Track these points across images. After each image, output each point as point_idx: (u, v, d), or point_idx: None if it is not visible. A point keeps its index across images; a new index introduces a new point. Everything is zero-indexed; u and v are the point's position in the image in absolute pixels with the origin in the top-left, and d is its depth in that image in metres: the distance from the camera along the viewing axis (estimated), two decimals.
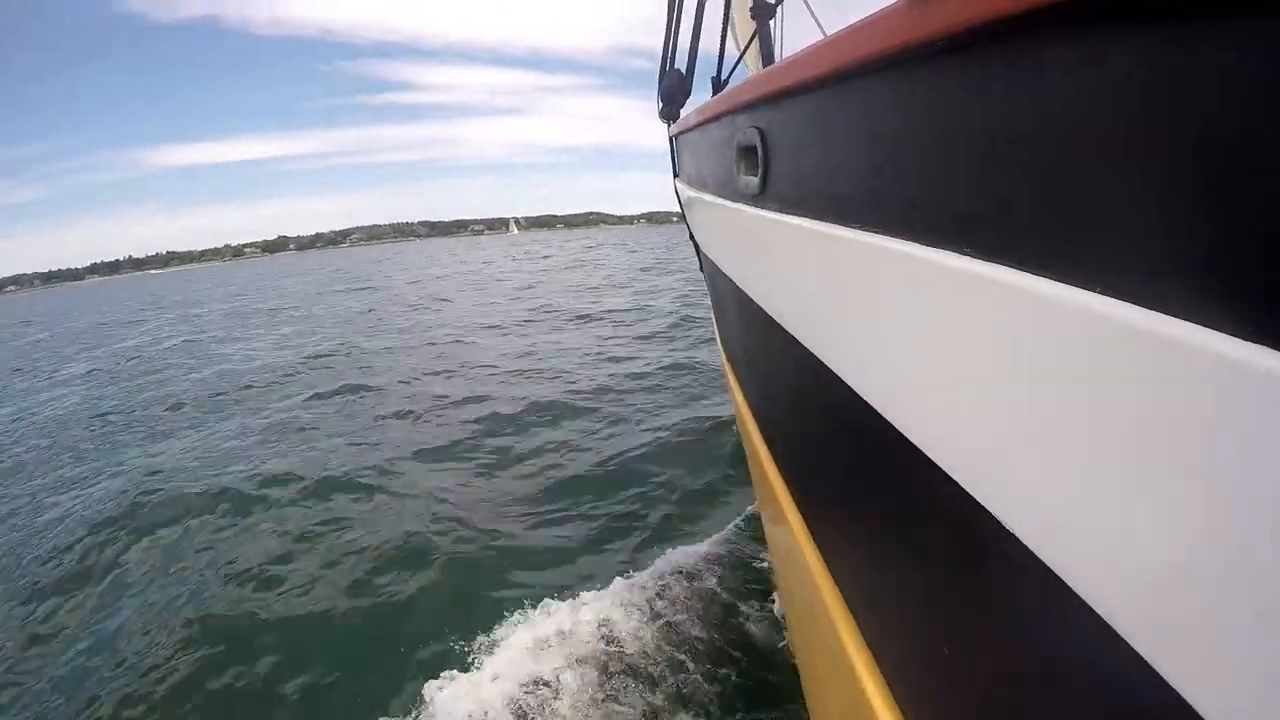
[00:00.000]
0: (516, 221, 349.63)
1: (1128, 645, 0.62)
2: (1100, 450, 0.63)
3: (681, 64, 3.53)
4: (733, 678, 3.60)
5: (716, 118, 2.30)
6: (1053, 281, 0.68)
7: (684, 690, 3.52)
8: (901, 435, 1.04)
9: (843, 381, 1.25)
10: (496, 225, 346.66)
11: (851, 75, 1.11)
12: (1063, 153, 0.68)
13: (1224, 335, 0.51)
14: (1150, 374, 0.57)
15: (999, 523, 0.81)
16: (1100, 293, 0.62)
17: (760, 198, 1.70)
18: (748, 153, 1.77)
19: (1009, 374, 0.77)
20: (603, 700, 3.45)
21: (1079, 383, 0.66)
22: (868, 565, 1.47)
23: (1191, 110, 0.54)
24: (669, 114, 3.76)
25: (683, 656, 3.73)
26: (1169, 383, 0.55)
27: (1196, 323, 0.53)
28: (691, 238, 3.87)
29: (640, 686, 3.54)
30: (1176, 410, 0.55)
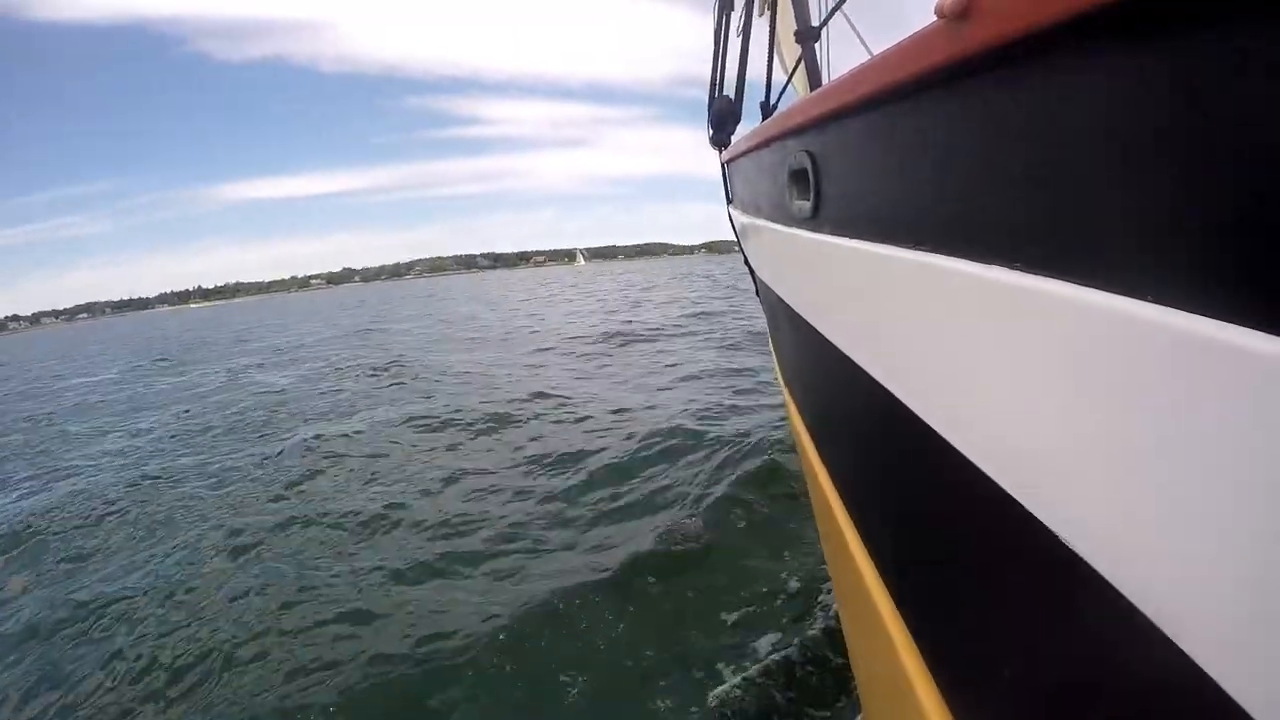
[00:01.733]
0: (582, 253, 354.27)
1: (1210, 678, 0.60)
2: (1168, 463, 0.62)
3: (729, 90, 3.57)
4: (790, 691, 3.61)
5: (766, 143, 2.32)
6: (1110, 294, 0.67)
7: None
8: (961, 455, 1.03)
9: (899, 401, 1.25)
10: (558, 256, 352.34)
11: (894, 96, 1.11)
12: (1109, 163, 0.68)
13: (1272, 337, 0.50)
14: (1216, 383, 0.56)
15: (1061, 541, 0.80)
16: (1158, 302, 0.61)
17: (812, 221, 1.71)
18: (799, 176, 1.77)
19: (1071, 391, 0.76)
20: None
21: (1140, 394, 0.65)
22: (928, 588, 1.45)
23: (1239, 118, 0.53)
24: (719, 140, 3.78)
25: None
26: (1232, 392, 0.54)
27: (1252, 328, 0.52)
28: (747, 263, 3.88)
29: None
30: (1240, 420, 0.54)
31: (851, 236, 1.41)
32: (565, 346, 16.46)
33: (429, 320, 30.08)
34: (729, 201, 3.89)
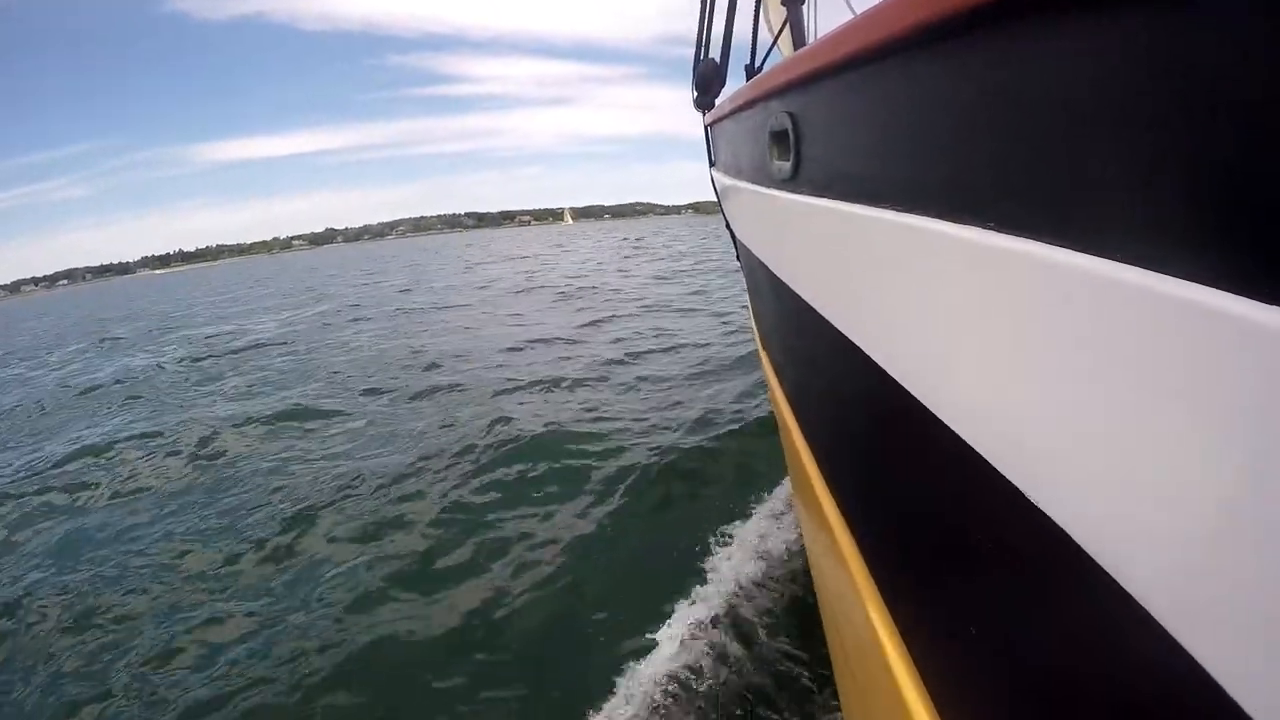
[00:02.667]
0: (570, 212, 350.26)
1: (1181, 647, 0.60)
2: (1141, 425, 0.63)
3: (715, 53, 3.52)
4: (762, 674, 3.60)
5: (749, 104, 2.30)
6: (1088, 255, 0.67)
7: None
8: (933, 415, 1.04)
9: (875, 363, 1.26)
10: (544, 216, 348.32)
11: (874, 57, 1.11)
12: (1084, 125, 0.68)
13: (1255, 302, 0.50)
14: (1183, 342, 0.56)
15: (1037, 508, 0.80)
16: (1126, 263, 0.62)
17: (792, 182, 1.71)
18: (779, 138, 1.77)
19: (1043, 352, 0.77)
20: None
21: (1107, 352, 0.66)
22: (902, 552, 1.46)
23: (1221, 79, 0.53)
24: (704, 103, 3.74)
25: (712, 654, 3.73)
26: (1201, 350, 0.55)
27: (1227, 290, 0.53)
28: (728, 226, 3.87)
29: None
30: (1211, 379, 0.54)
31: (829, 197, 1.42)
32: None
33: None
34: (711, 164, 3.86)
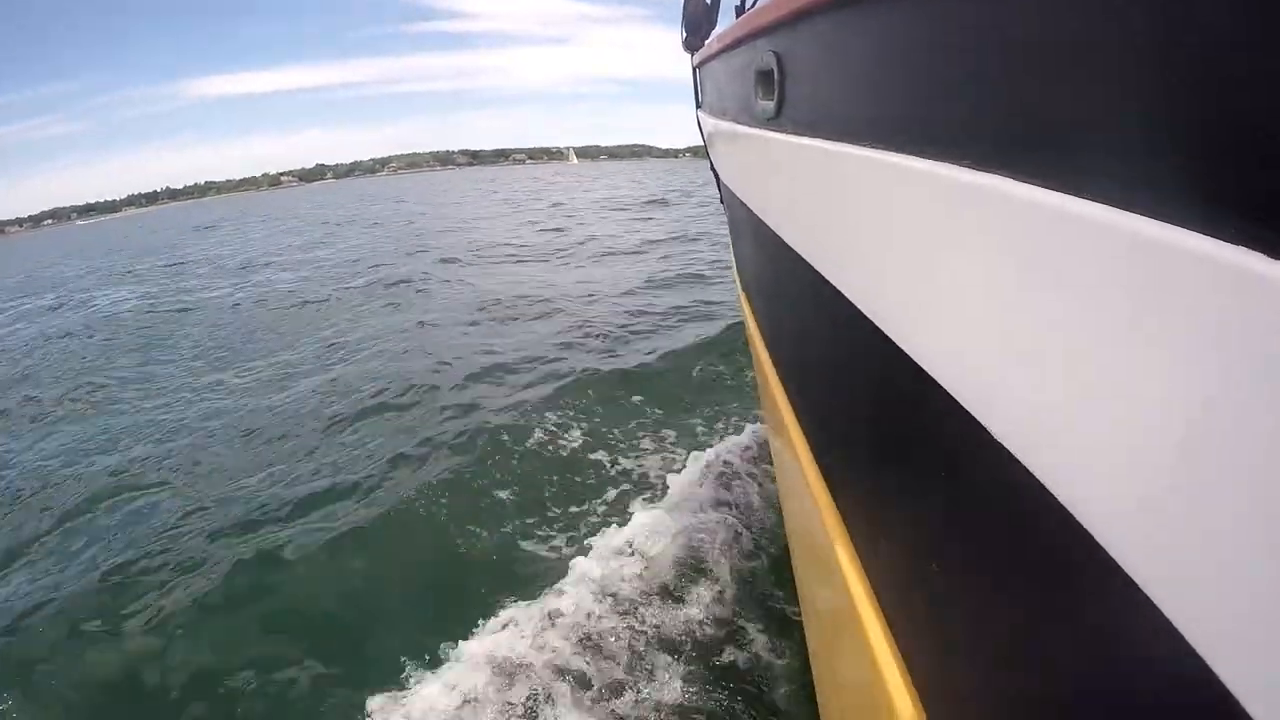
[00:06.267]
0: (573, 150, 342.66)
1: (1169, 623, 0.60)
2: (1106, 357, 0.64)
3: None
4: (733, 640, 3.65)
5: (735, 44, 2.29)
6: (1069, 196, 0.69)
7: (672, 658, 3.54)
8: (909, 358, 1.05)
9: (852, 304, 1.26)
10: (539, 155, 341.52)
11: None
12: (1076, 63, 0.69)
13: (1225, 243, 0.52)
14: (1162, 284, 0.58)
15: (1014, 457, 0.81)
16: (1098, 201, 0.64)
17: (775, 121, 1.73)
18: (765, 77, 1.78)
19: (1022, 292, 0.78)
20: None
21: (1087, 296, 0.67)
22: (876, 498, 1.47)
23: (1198, 19, 0.55)
24: (692, 44, 3.71)
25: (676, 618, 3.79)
26: (1175, 292, 0.56)
27: (1197, 230, 0.54)
28: (712, 167, 3.88)
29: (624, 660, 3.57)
30: (1188, 323, 0.56)
31: (810, 135, 1.44)
32: None
33: None
34: (698, 106, 3.86)
